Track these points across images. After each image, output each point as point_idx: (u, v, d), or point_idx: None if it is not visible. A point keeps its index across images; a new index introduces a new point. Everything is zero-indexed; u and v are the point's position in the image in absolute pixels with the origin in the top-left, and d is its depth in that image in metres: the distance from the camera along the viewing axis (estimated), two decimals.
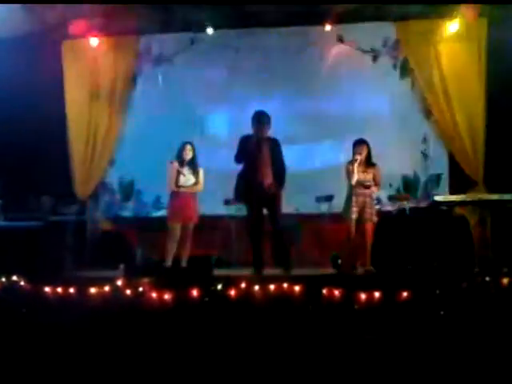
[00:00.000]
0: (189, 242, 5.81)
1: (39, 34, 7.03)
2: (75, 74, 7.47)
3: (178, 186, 5.78)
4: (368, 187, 5.67)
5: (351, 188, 5.69)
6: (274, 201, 5.60)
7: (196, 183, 5.86)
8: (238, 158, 5.67)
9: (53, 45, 7.30)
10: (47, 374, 3.75)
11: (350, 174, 5.67)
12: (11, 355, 3.91)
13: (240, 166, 5.71)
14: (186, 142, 5.92)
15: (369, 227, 5.59)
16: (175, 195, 5.82)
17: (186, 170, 5.82)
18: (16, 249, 5.06)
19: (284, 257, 5.54)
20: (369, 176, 5.69)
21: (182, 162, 5.83)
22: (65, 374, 3.73)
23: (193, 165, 5.87)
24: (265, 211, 5.65)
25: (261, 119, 5.60)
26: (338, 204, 6.22)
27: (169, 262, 5.67)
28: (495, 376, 3.55)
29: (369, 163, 5.74)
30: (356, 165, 5.63)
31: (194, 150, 5.89)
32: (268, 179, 5.56)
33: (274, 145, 5.67)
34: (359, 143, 5.74)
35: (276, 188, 5.60)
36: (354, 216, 5.58)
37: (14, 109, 6.83)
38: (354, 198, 5.61)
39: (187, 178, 5.81)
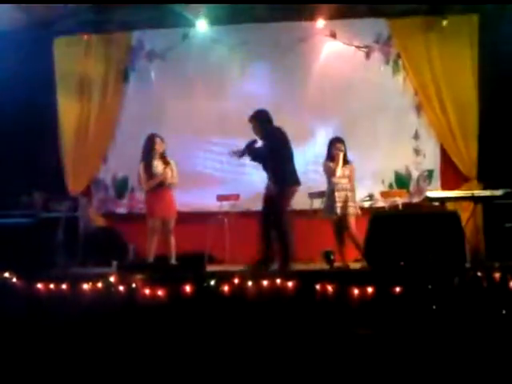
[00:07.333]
0: (172, 238, 5.68)
1: (31, 30, 7.00)
2: (67, 71, 7.43)
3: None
4: (348, 180, 5.74)
5: (331, 185, 5.75)
6: (273, 198, 5.54)
7: (171, 176, 5.71)
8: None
9: (44, 41, 7.26)
10: (39, 369, 3.74)
11: (331, 170, 5.74)
12: (4, 352, 3.89)
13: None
14: (155, 134, 5.76)
15: (353, 221, 5.65)
16: (152, 191, 5.69)
17: (159, 165, 5.69)
18: (7, 246, 5.03)
19: (282, 255, 5.49)
20: (345, 172, 5.75)
21: (153, 156, 5.69)
22: (57, 370, 3.72)
23: (164, 158, 5.74)
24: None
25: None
26: None
27: (150, 259, 5.59)
28: (487, 369, 3.57)
29: (346, 160, 5.80)
30: (341, 158, 5.68)
31: (163, 142, 5.75)
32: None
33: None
34: (338, 141, 5.81)
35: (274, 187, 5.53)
36: (339, 211, 5.63)
37: (5, 104, 6.78)
38: (336, 194, 5.68)
39: (163, 172, 5.67)
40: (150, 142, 5.72)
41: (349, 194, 5.69)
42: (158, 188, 5.67)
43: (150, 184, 5.68)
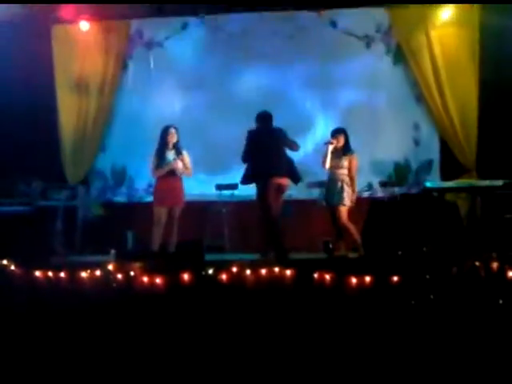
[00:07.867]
0: (175, 227, 5.75)
1: (29, 18, 6.94)
2: (65, 59, 7.40)
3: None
4: (348, 171, 5.73)
5: (327, 176, 5.80)
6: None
7: (184, 167, 5.79)
8: None
9: (43, 29, 7.22)
10: (37, 357, 3.74)
11: (322, 160, 5.78)
12: (2, 340, 3.90)
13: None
14: (170, 126, 5.84)
15: (343, 210, 5.63)
16: (162, 180, 5.76)
17: (171, 155, 5.76)
18: (5, 234, 5.04)
19: (271, 243, 5.52)
20: (343, 163, 5.74)
21: (166, 146, 5.77)
22: (54, 358, 3.73)
23: (177, 148, 5.81)
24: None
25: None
26: None
27: (155, 247, 5.64)
28: (484, 360, 3.58)
29: (345, 151, 5.78)
30: (330, 150, 5.69)
31: (178, 133, 5.83)
32: None
33: None
34: (336, 131, 5.84)
35: None
36: (324, 201, 5.69)
37: (3, 93, 6.75)
38: (326, 183, 5.68)
39: (173, 162, 5.74)
40: (164, 132, 5.79)
41: (341, 184, 5.67)
42: (169, 176, 5.73)
43: (159, 172, 5.74)
